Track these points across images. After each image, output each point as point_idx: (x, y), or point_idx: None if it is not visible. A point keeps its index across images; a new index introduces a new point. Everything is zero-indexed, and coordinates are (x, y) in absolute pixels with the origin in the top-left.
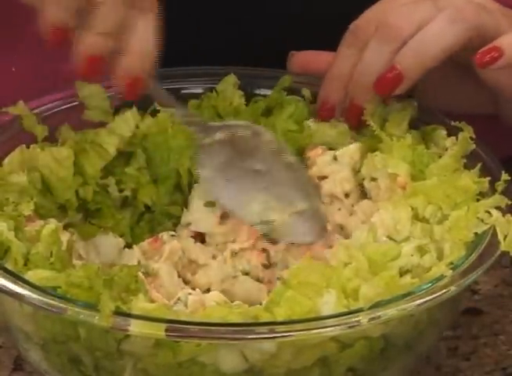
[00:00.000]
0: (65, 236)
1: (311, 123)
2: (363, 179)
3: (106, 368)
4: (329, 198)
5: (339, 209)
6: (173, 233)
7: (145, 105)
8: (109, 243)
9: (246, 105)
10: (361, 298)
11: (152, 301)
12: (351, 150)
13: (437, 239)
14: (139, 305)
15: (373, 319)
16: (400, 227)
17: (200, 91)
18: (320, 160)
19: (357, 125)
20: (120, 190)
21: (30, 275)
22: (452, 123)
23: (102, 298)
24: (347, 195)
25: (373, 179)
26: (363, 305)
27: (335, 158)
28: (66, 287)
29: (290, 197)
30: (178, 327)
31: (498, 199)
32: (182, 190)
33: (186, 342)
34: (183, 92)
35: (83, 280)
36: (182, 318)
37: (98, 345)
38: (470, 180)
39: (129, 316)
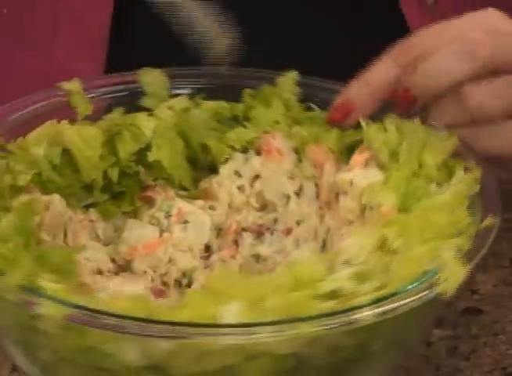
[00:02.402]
0: (80, 216)
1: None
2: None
3: (27, 344)
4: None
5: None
6: None
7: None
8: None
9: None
10: (267, 312)
11: (81, 284)
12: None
13: (386, 270)
14: (44, 284)
15: (268, 335)
16: (360, 253)
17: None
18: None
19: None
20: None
21: None
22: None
23: (14, 271)
24: None
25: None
26: (267, 319)
27: None
28: None
29: None
30: (80, 313)
31: (461, 241)
32: None
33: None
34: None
35: (7, 252)
36: (83, 304)
37: (16, 319)
38: (442, 217)
39: (37, 294)
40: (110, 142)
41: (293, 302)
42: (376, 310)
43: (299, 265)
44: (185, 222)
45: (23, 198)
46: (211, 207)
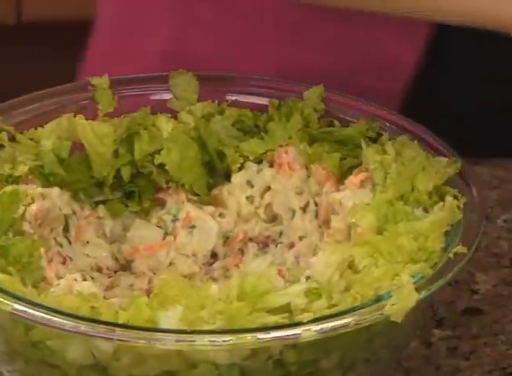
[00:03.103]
0: (86, 211)
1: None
2: None
3: None
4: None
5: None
6: None
7: None
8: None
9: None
10: (206, 320)
11: (43, 278)
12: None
13: (346, 289)
14: None
15: (205, 344)
16: (325, 271)
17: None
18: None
19: None
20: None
21: None
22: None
23: None
24: None
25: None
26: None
27: None
28: None
29: None
30: (23, 306)
31: (423, 268)
32: None
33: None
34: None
35: None
36: (29, 298)
37: None
38: (410, 242)
39: None
40: (129, 140)
41: (233, 313)
42: (314, 328)
43: (249, 277)
44: (192, 226)
45: (8, 188)
46: (221, 215)
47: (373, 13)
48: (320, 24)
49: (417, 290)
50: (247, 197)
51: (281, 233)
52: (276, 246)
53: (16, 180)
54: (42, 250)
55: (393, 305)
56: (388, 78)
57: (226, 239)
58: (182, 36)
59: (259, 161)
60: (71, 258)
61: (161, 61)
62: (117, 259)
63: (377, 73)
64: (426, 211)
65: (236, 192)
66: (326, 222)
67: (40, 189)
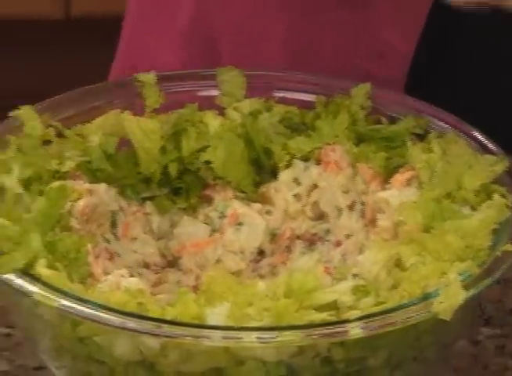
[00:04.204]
0: (133, 208)
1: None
2: None
3: (26, 329)
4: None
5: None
6: None
7: None
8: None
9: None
10: (253, 317)
11: (90, 274)
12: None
13: (393, 287)
14: (40, 270)
15: (252, 340)
16: (372, 268)
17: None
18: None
19: None
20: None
21: None
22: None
23: (16, 254)
24: None
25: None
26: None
27: None
28: None
29: None
30: (70, 302)
31: (471, 266)
32: None
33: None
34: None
35: (14, 235)
36: (76, 294)
37: (18, 303)
38: (457, 240)
39: (34, 278)
40: (176, 137)
41: (280, 310)
42: (361, 325)
43: (296, 274)
44: (240, 223)
45: (55, 184)
46: (268, 212)
47: None
48: (325, 8)
49: (465, 288)
50: (294, 195)
51: (328, 231)
52: (323, 244)
53: (63, 176)
54: (89, 246)
55: (441, 302)
56: (386, 66)
57: (273, 236)
58: (199, 14)
59: (306, 159)
60: (118, 254)
61: (181, 37)
62: (164, 256)
63: (375, 59)
64: (473, 209)
65: (283, 189)
66: (372, 221)
67: (87, 185)
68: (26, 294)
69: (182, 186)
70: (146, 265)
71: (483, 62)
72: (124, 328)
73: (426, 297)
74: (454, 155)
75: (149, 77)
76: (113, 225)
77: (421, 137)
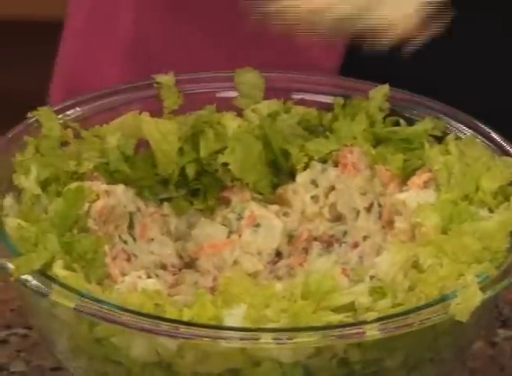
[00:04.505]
0: (151, 209)
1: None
2: None
3: (43, 329)
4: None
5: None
6: None
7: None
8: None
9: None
10: (271, 318)
11: (107, 275)
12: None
13: (410, 288)
14: (57, 270)
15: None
16: (390, 270)
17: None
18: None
19: None
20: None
21: (7, 221)
22: None
23: (33, 255)
24: None
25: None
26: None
27: None
28: (16, 238)
29: None
30: (87, 303)
31: (488, 268)
32: None
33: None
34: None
35: (31, 236)
36: (93, 295)
37: (35, 303)
38: (475, 242)
39: (50, 279)
40: (194, 138)
41: (297, 311)
42: (379, 327)
43: (314, 276)
44: (257, 225)
45: (73, 185)
46: (285, 214)
47: None
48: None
49: (482, 290)
50: (312, 197)
51: (345, 233)
52: (340, 245)
53: (80, 177)
54: (107, 247)
55: (458, 304)
56: None
57: (291, 238)
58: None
59: (324, 161)
60: (136, 256)
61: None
62: (181, 257)
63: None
64: (491, 211)
65: (300, 191)
66: (390, 223)
67: (105, 186)
68: (43, 294)
69: (200, 187)
70: (164, 267)
71: None
72: (141, 329)
73: (443, 298)
74: (472, 157)
75: (167, 79)
76: (131, 226)
77: (439, 139)
